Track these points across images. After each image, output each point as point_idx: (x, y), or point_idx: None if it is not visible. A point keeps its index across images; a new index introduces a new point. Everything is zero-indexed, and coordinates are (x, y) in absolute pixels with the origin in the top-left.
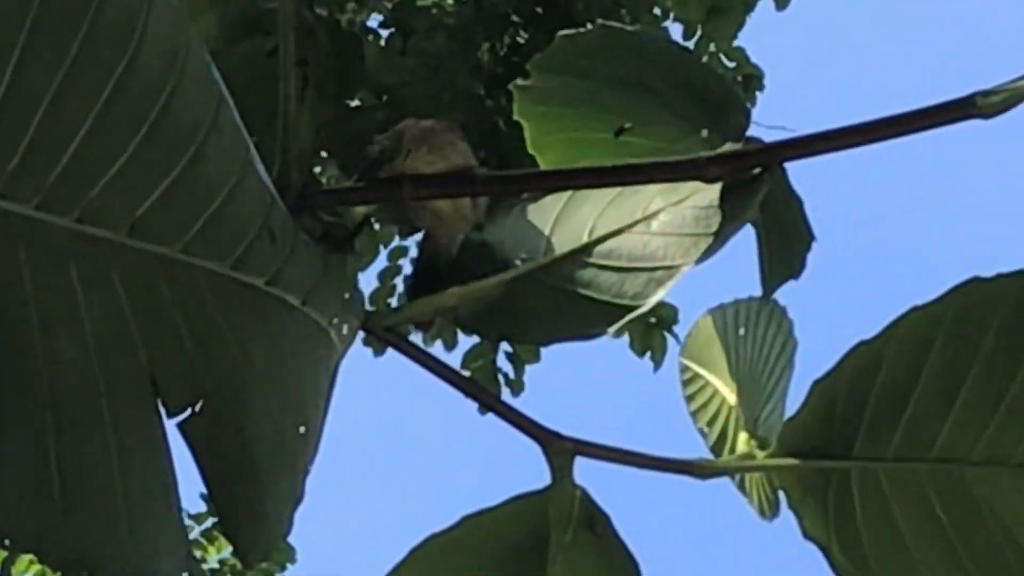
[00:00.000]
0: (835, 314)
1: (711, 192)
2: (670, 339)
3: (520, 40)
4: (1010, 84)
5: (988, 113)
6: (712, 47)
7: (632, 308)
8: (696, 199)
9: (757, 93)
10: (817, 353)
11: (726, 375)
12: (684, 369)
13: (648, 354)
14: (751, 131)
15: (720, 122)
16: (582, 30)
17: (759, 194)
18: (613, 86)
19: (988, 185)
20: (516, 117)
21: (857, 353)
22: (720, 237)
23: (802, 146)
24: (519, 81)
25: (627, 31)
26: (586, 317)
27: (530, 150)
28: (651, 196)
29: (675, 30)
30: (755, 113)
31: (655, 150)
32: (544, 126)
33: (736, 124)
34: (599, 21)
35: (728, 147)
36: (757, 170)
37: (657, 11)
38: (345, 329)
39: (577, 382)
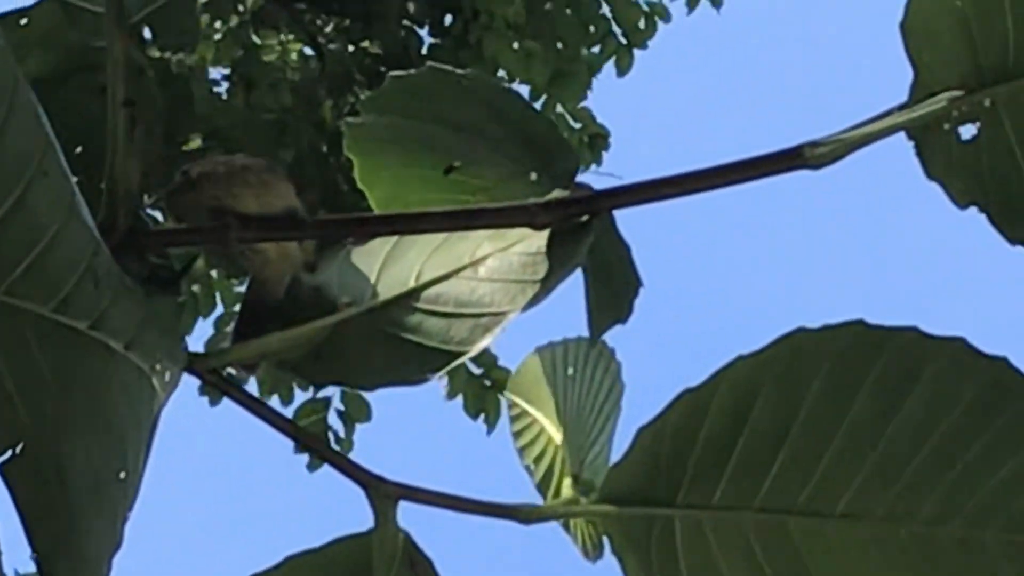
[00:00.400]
0: (662, 360)
1: (539, 238)
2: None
3: (363, 96)
4: (839, 135)
5: (816, 164)
6: (559, 108)
7: (459, 354)
8: (524, 245)
9: (603, 152)
10: (644, 399)
11: (553, 415)
12: (511, 405)
13: (482, 416)
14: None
15: (549, 166)
16: (412, 71)
17: (587, 241)
18: (441, 126)
19: (816, 236)
20: (346, 152)
21: (683, 401)
22: (547, 284)
23: (631, 194)
24: (349, 118)
25: (456, 73)
26: (412, 363)
27: (359, 184)
28: (479, 241)
29: (522, 91)
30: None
31: (484, 188)
32: (373, 161)
33: (565, 169)
34: (428, 63)
35: (557, 193)
36: (586, 217)
37: (503, 73)
38: (168, 375)
39: (414, 432)
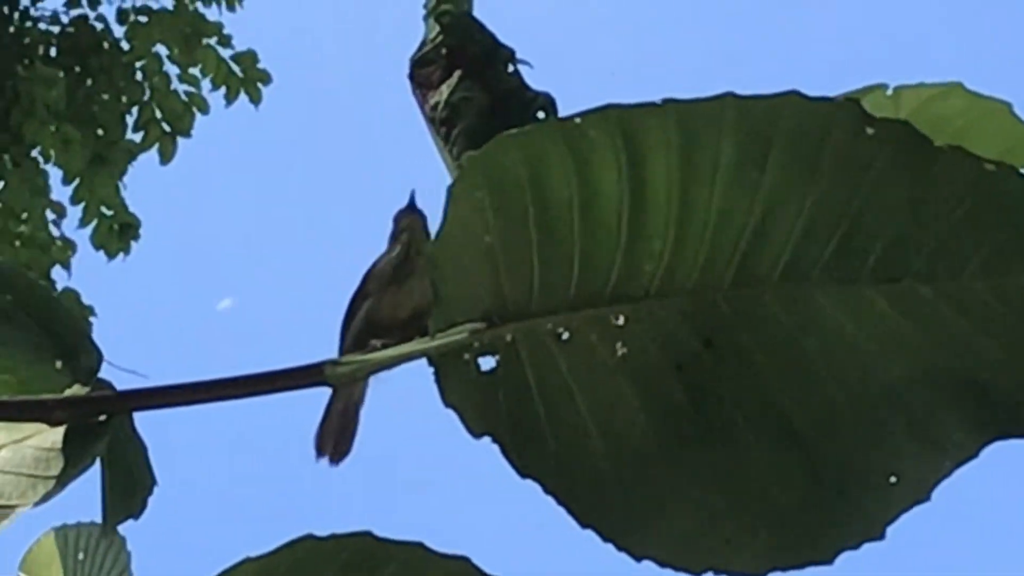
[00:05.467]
0: (175, 552)
1: (55, 434)
2: None
3: None
4: (360, 356)
5: (336, 382)
6: (92, 194)
7: None
8: (39, 439)
9: (133, 242)
10: None
11: None
12: None
13: None
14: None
15: (73, 359)
16: None
17: (103, 441)
18: None
19: None
20: None
21: None
22: (61, 481)
23: (149, 397)
24: None
25: None
26: None
27: None
28: None
29: (55, 174)
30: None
31: (11, 368)
32: None
33: (87, 366)
34: None
35: (76, 389)
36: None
37: (36, 154)
38: None
39: None
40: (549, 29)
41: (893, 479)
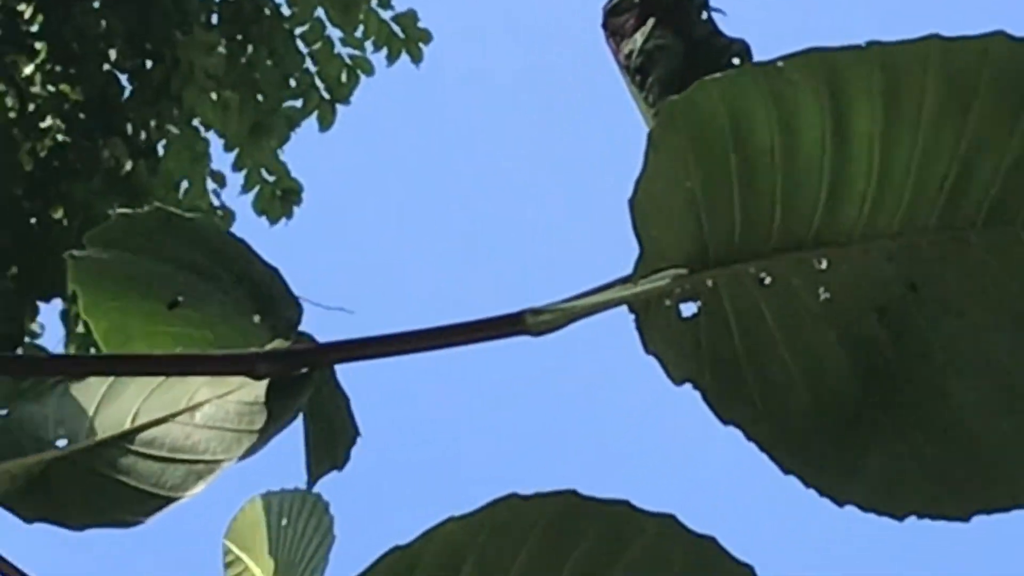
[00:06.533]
0: (377, 513)
1: (258, 388)
2: None
3: (61, 141)
4: (561, 304)
5: (537, 331)
6: (253, 160)
7: (171, 499)
8: (242, 393)
9: (295, 207)
10: (357, 551)
11: (266, 563)
12: (227, 551)
13: None
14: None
15: (272, 313)
16: (140, 210)
17: (305, 394)
18: (166, 263)
19: (537, 400)
20: (70, 285)
21: (391, 557)
22: (264, 435)
23: (351, 350)
24: (74, 252)
25: (183, 217)
26: (124, 504)
27: (83, 316)
28: (197, 385)
29: (216, 145)
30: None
31: (208, 323)
32: (97, 296)
33: (288, 319)
34: (156, 204)
35: (278, 343)
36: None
37: (197, 123)
38: None
39: None
40: None
41: None
